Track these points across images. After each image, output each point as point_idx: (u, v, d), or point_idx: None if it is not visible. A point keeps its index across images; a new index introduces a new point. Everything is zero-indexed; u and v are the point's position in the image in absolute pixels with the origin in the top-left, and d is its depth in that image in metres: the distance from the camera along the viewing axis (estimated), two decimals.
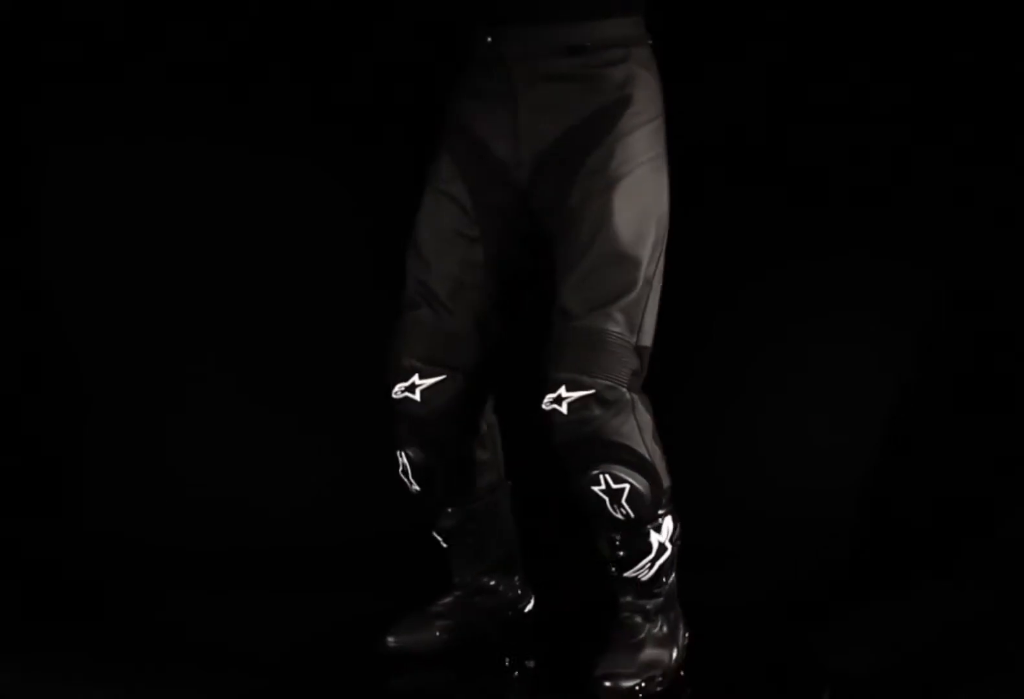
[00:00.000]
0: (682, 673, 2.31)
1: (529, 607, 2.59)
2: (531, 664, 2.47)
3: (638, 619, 2.28)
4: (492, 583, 2.53)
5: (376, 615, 2.58)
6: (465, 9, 2.28)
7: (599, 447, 2.16)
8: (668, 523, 2.26)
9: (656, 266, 2.21)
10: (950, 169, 3.11)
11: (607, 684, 2.20)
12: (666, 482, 2.24)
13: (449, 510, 2.47)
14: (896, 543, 3.01)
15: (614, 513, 2.19)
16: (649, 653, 2.25)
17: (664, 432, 2.39)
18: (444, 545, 2.52)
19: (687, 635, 2.37)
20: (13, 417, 3.20)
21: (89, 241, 3.21)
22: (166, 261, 3.22)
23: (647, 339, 2.20)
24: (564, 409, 2.14)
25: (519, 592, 2.57)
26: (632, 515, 2.19)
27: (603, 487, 2.17)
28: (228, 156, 3.18)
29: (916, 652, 2.43)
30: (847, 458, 3.19)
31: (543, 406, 2.16)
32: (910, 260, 3.16)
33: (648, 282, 2.18)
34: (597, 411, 2.14)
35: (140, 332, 3.24)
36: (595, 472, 2.16)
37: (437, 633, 2.45)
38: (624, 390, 2.16)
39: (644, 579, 2.26)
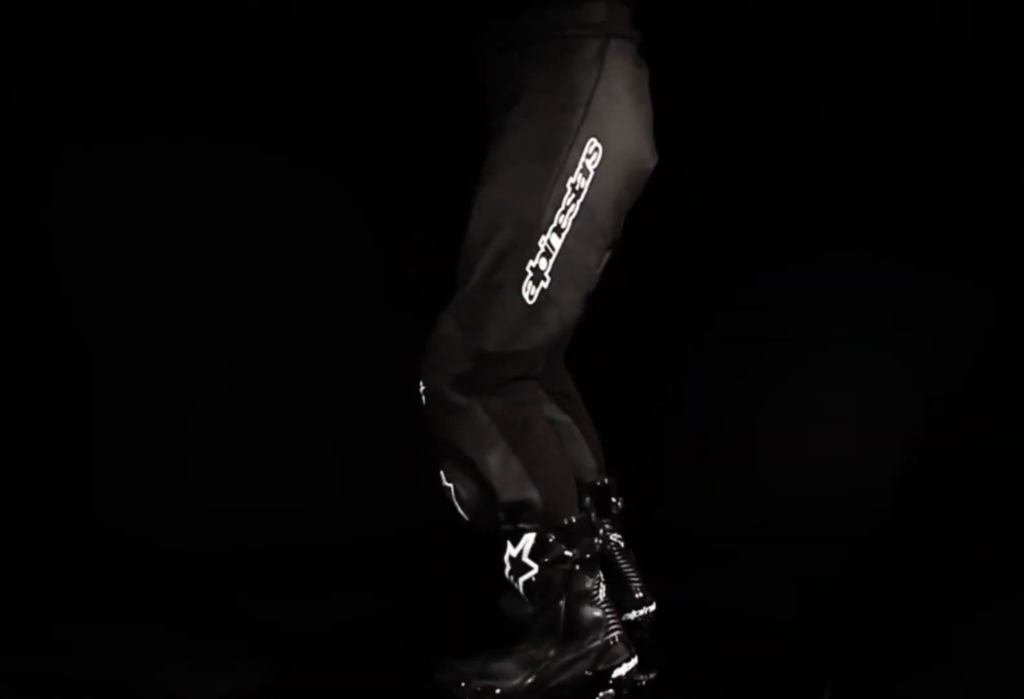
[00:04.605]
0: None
1: (641, 613, 2.46)
2: None
3: (530, 633, 2.20)
4: None
5: (376, 615, 2.58)
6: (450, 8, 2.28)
7: (436, 442, 2.16)
8: (528, 540, 2.17)
9: (510, 271, 2.10)
10: (950, 167, 3.12)
11: (437, 675, 2.16)
12: (514, 495, 2.14)
13: None
14: (898, 543, 3.01)
15: (458, 509, 2.19)
16: (500, 665, 2.17)
17: (666, 433, 2.40)
18: None
19: (597, 669, 2.20)
20: (22, 417, 3.20)
21: (99, 243, 3.22)
22: (174, 263, 3.23)
23: (490, 344, 2.11)
24: (423, 400, 2.15)
25: (635, 597, 2.45)
26: (465, 517, 2.17)
27: (442, 482, 2.18)
28: (236, 158, 3.18)
29: (916, 653, 2.43)
30: (849, 458, 3.19)
31: None
32: (911, 261, 3.16)
33: (493, 287, 2.10)
34: (432, 407, 2.14)
35: (147, 334, 3.24)
36: (439, 465, 2.17)
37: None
38: (447, 392, 2.11)
39: (521, 592, 2.20)
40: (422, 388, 2.14)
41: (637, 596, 2.47)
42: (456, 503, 2.16)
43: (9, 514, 3.10)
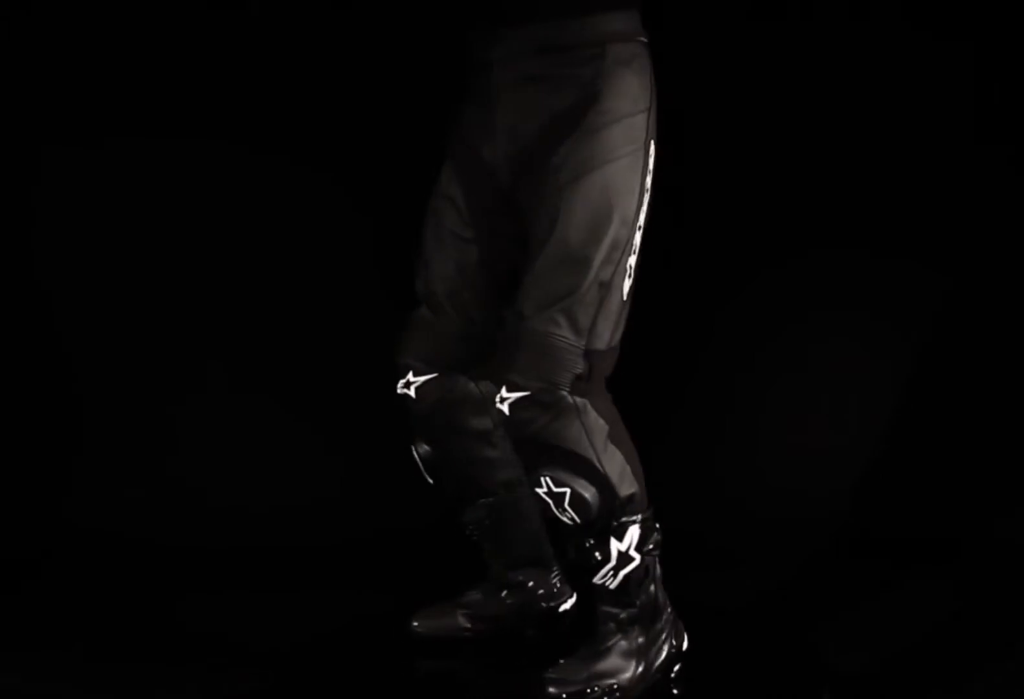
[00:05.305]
0: (675, 691, 2.30)
1: (566, 606, 2.57)
2: (562, 661, 2.45)
3: (611, 626, 2.26)
4: (520, 579, 2.54)
5: (375, 616, 2.58)
6: (454, 12, 2.30)
7: (541, 449, 2.16)
8: (634, 532, 2.23)
9: (616, 268, 2.15)
10: (949, 167, 3.11)
11: (550, 689, 2.19)
12: (626, 490, 2.20)
13: (467, 505, 2.49)
14: (896, 543, 3.01)
15: (560, 516, 2.19)
16: (608, 663, 2.24)
17: (664, 433, 2.40)
18: (473, 538, 2.54)
19: (675, 645, 2.33)
20: (18, 415, 3.20)
21: (90, 242, 3.21)
22: (166, 261, 3.23)
23: (600, 343, 2.16)
24: (506, 409, 2.15)
25: (554, 590, 2.56)
26: (578, 520, 2.18)
27: (545, 490, 2.17)
28: (229, 156, 3.18)
29: (915, 652, 2.43)
30: (847, 458, 3.19)
31: (494, 405, 2.19)
32: (909, 260, 3.16)
33: (603, 284, 2.14)
34: (534, 413, 2.13)
35: (141, 332, 3.24)
36: (537, 474, 2.17)
37: (459, 622, 2.48)
38: (564, 393, 2.13)
39: (612, 587, 2.24)
40: (521, 393, 2.13)
41: (557, 587, 2.55)
42: (569, 507, 2.17)
43: (4, 513, 3.10)
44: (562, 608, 2.58)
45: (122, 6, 3.07)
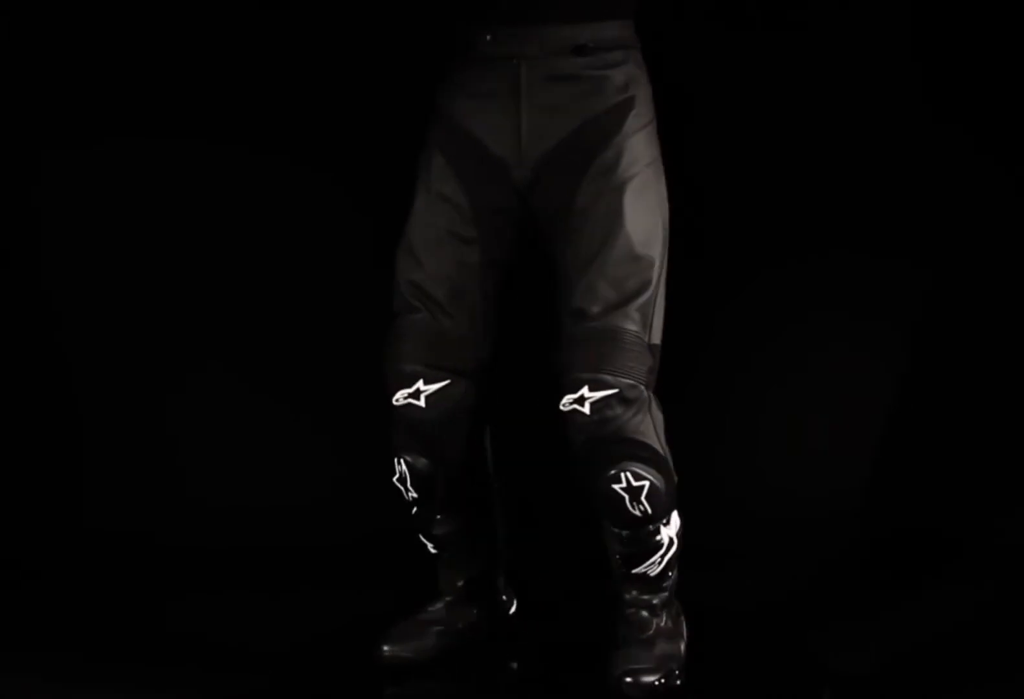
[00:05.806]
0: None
1: (513, 609, 2.59)
2: (514, 665, 2.49)
3: (644, 614, 2.31)
4: (480, 589, 2.53)
5: (375, 616, 2.58)
6: (464, 7, 2.28)
7: (620, 445, 2.18)
8: (675, 518, 2.32)
9: (664, 268, 2.24)
10: (944, 167, 3.11)
11: (628, 680, 2.21)
12: (675, 478, 2.28)
13: (441, 517, 2.44)
14: (895, 543, 3.01)
15: (632, 510, 2.21)
16: (662, 647, 2.28)
17: (665, 432, 2.41)
18: (433, 551, 2.50)
19: (686, 635, 2.38)
20: (14, 415, 3.20)
21: (89, 241, 3.22)
22: (167, 262, 3.23)
23: (658, 337, 2.24)
24: (586, 409, 2.15)
25: (503, 596, 2.58)
26: (650, 511, 2.21)
27: (624, 485, 2.19)
28: (229, 156, 3.18)
29: (915, 653, 2.43)
30: (847, 458, 3.19)
31: (562, 407, 2.17)
32: (909, 261, 3.16)
33: (658, 282, 2.23)
34: (619, 410, 2.16)
35: (142, 332, 3.24)
36: (616, 470, 2.18)
37: (432, 640, 2.45)
38: (643, 388, 2.19)
39: (653, 574, 2.29)
40: (608, 392, 2.15)
41: (507, 594, 2.58)
42: (644, 500, 2.20)
43: (4, 513, 3.10)
44: (510, 612, 2.60)
45: (122, 6, 3.07)
